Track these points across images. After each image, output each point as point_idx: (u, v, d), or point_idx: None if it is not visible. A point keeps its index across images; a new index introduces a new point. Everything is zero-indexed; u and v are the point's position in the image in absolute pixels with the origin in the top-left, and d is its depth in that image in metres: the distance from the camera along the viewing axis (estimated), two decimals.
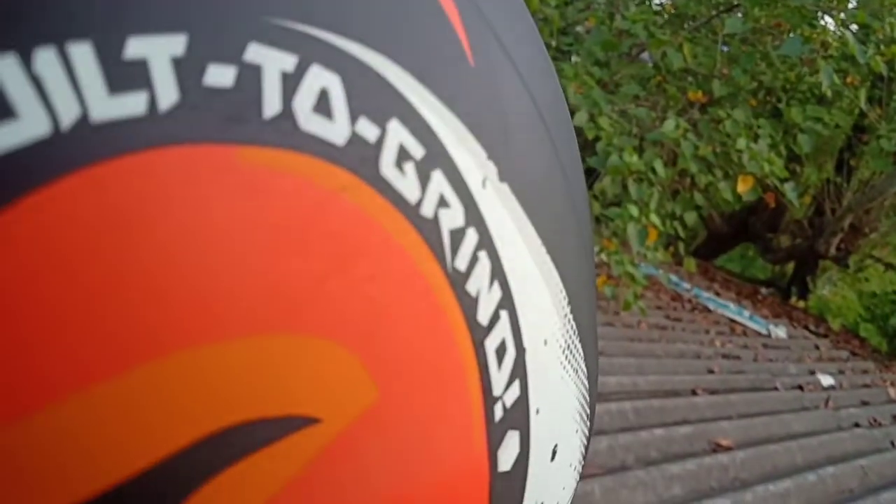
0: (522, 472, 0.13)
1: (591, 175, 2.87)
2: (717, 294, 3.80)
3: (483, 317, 0.11)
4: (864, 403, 2.69)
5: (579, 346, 0.15)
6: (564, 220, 0.14)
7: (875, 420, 2.52)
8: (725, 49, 2.78)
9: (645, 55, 2.91)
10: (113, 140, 0.08)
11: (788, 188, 2.57)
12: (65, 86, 0.07)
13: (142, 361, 0.08)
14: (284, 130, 0.09)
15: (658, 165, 2.47)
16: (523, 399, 0.12)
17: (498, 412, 0.12)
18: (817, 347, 3.46)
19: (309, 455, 0.09)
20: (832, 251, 4.08)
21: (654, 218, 2.45)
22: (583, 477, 1.59)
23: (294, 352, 0.09)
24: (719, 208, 4.21)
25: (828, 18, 2.61)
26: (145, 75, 0.08)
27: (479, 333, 0.11)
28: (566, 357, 0.14)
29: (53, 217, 0.07)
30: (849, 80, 2.49)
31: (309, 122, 0.09)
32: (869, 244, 4.30)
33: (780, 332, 3.41)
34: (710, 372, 2.56)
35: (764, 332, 3.35)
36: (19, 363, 0.07)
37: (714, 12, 2.70)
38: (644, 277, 2.71)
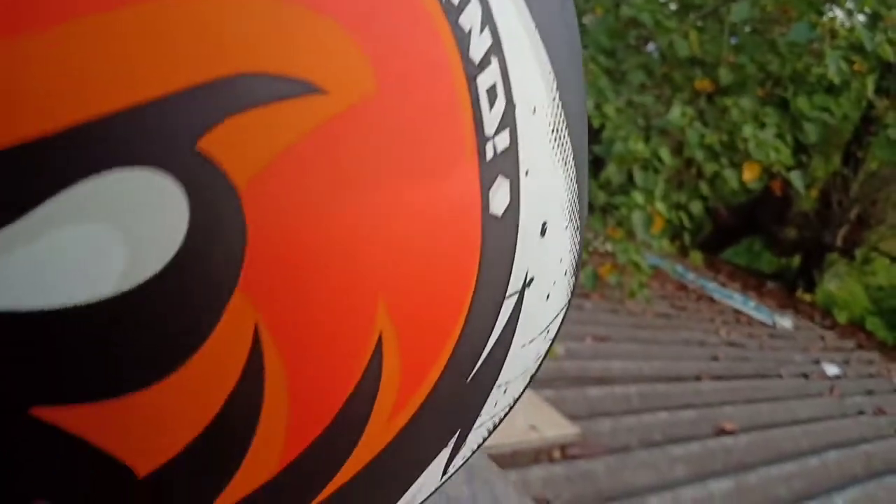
0: (512, 228, 0.14)
1: (596, 164, 2.87)
2: (723, 285, 3.80)
3: (475, 54, 0.12)
4: (869, 392, 2.69)
5: (567, 138, 0.16)
6: (552, 7, 0.15)
7: (880, 409, 2.52)
8: (734, 41, 2.77)
9: (651, 46, 2.91)
10: None
11: (795, 176, 2.57)
12: None
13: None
14: None
15: (664, 153, 2.47)
16: (513, 152, 0.13)
17: (489, 152, 0.13)
18: (822, 338, 3.45)
19: (314, 122, 0.10)
20: (839, 243, 4.07)
21: (660, 205, 2.45)
22: (585, 457, 1.60)
23: (298, 19, 0.10)
24: (725, 200, 4.20)
25: (836, 11, 2.60)
26: None
27: (471, 69, 0.12)
28: (555, 139, 0.15)
29: None
30: (856, 67, 2.48)
31: None
32: (876, 236, 4.29)
33: (785, 322, 3.41)
34: (715, 359, 2.56)
35: (769, 322, 3.34)
36: None
37: (721, 1, 2.70)
38: (649, 267, 2.71)
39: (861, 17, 2.54)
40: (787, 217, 4.35)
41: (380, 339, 0.12)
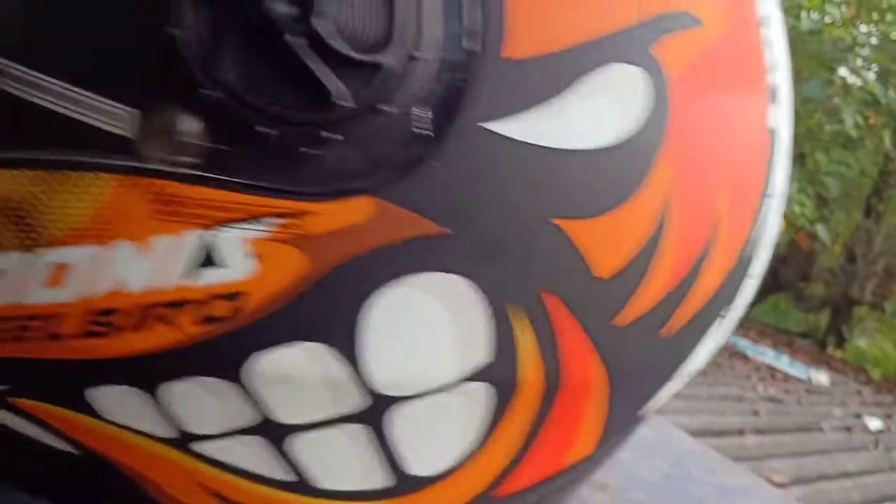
0: (773, 143, 0.19)
1: None
2: (754, 342, 3.79)
3: (762, 11, 0.18)
4: None
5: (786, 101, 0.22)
6: None
7: None
8: None
9: None
10: None
11: (820, 229, 2.61)
12: None
13: None
14: None
15: None
16: (776, 88, 0.19)
17: (768, 81, 0.18)
18: (860, 393, 3.40)
19: (700, 45, 0.16)
20: (868, 297, 4.07)
21: None
22: None
23: None
24: None
25: (845, 71, 2.69)
26: None
27: (763, 25, 0.18)
28: (786, 93, 0.21)
29: None
30: (871, 122, 2.56)
31: None
32: None
33: (821, 377, 3.37)
34: (756, 414, 2.54)
35: (804, 377, 3.31)
36: None
37: None
38: None
39: (871, 75, 2.63)
40: (812, 273, 4.37)
41: (717, 222, 0.17)
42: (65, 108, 0.14)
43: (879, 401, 3.34)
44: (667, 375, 0.19)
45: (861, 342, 4.84)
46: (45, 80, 0.13)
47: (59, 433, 0.16)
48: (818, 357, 4.13)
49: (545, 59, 0.14)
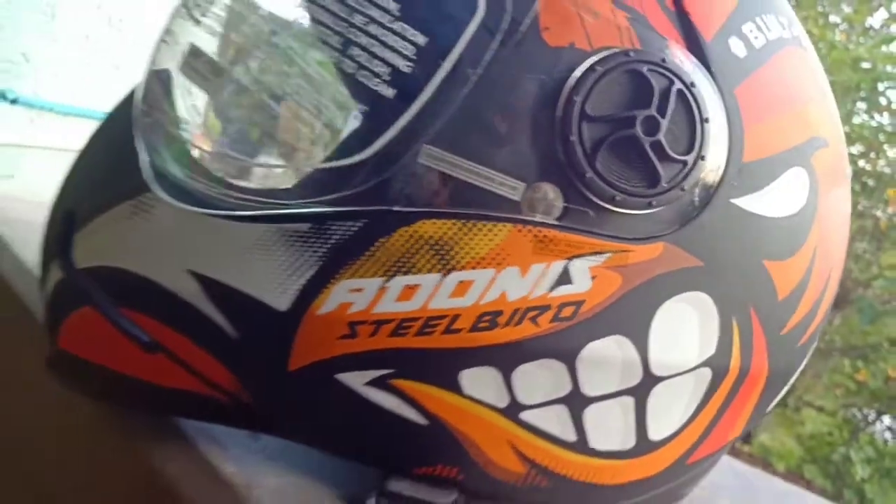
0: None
1: None
2: None
3: None
4: None
5: None
6: None
7: None
8: None
9: None
10: None
11: None
12: None
13: None
14: None
15: None
16: None
17: None
18: None
19: (831, 159, 0.25)
20: None
21: None
22: None
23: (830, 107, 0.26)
24: None
25: None
26: None
27: None
28: None
29: None
30: None
31: None
32: (803, 388, 4.56)
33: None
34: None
35: None
36: None
37: None
38: None
39: None
40: None
41: (831, 270, 0.26)
42: (475, 179, 0.21)
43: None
44: (788, 379, 0.28)
45: (764, 437, 5.06)
46: (462, 161, 0.21)
47: (419, 407, 0.23)
48: (728, 452, 4.30)
49: (764, 161, 0.23)
